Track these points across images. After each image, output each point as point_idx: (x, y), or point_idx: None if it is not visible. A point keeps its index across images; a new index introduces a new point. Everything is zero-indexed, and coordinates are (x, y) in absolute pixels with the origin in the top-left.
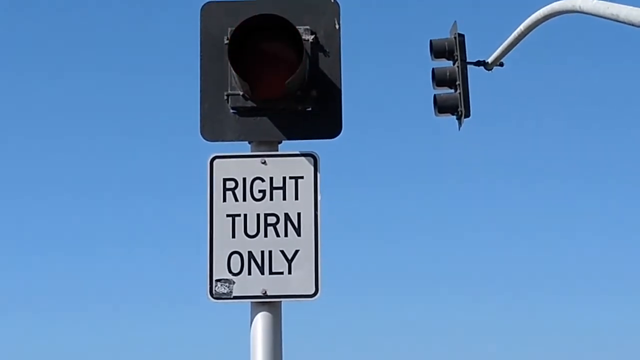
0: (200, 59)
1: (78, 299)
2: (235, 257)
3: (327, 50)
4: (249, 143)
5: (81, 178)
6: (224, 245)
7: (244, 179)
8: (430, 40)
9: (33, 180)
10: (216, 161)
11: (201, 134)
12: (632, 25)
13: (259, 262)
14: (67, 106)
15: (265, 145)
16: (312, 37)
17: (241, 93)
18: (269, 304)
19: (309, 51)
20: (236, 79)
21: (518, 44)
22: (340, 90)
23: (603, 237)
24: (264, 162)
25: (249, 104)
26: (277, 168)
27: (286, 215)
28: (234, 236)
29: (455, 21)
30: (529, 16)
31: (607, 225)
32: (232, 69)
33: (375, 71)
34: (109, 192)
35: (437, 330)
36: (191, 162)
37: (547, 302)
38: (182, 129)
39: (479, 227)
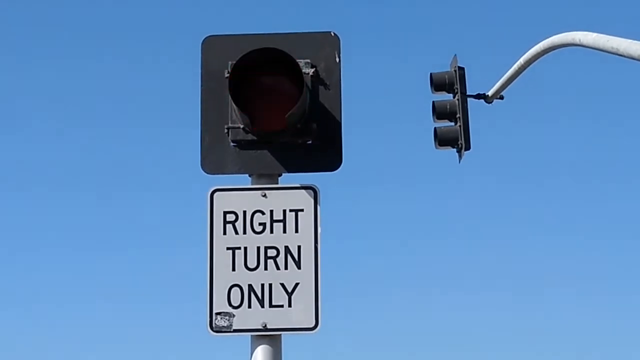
0: (201, 93)
1: (79, 304)
2: (236, 290)
3: (328, 84)
4: (249, 176)
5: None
6: (224, 278)
7: (244, 212)
8: (431, 74)
9: (32, 179)
10: (216, 194)
11: (202, 167)
12: (632, 58)
13: (259, 295)
14: (71, 124)
15: (266, 178)
16: (313, 70)
17: (242, 126)
18: (269, 337)
19: (309, 84)
20: (237, 112)
21: (518, 77)
22: (340, 123)
23: (601, 240)
24: (264, 195)
25: (250, 137)
26: (277, 201)
27: (286, 248)
28: (234, 269)
29: (455, 54)
30: (529, 49)
31: (603, 230)
32: (232, 102)
33: (376, 104)
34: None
35: (439, 337)
36: (191, 196)
37: (549, 303)
38: (183, 162)
39: (480, 232)
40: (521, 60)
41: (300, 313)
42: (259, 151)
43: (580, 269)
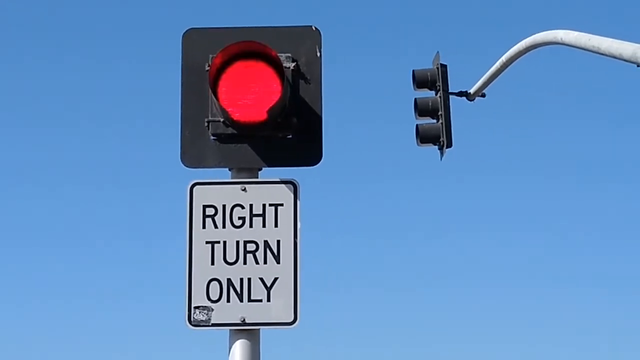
0: (181, 86)
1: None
2: (214, 284)
3: (308, 78)
4: (229, 170)
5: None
6: (202, 272)
7: (224, 206)
8: (413, 71)
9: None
10: (196, 188)
11: (181, 160)
12: (613, 57)
13: (238, 289)
14: (48, 123)
15: (246, 172)
16: (294, 64)
17: (222, 120)
18: (247, 331)
19: (290, 78)
20: (217, 105)
21: (500, 75)
22: (321, 118)
23: (598, 239)
24: (244, 189)
25: (230, 130)
26: (257, 195)
27: (266, 242)
28: (213, 263)
29: (437, 52)
30: (511, 48)
31: (601, 229)
32: (212, 95)
33: (357, 100)
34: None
35: (427, 335)
36: (171, 189)
37: (543, 301)
38: (163, 155)
39: (470, 229)
40: (503, 58)
41: (279, 308)
42: (239, 145)
43: (579, 269)
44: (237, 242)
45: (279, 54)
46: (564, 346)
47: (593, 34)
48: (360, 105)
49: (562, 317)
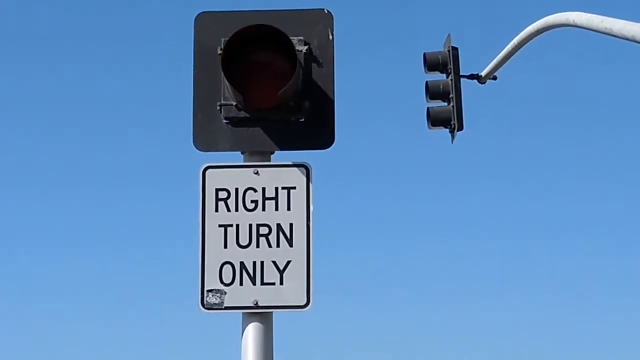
0: (194, 69)
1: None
2: (227, 267)
3: (321, 61)
4: (242, 153)
5: (78, 182)
6: (215, 255)
7: (237, 189)
8: (424, 53)
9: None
10: (209, 171)
11: (194, 144)
12: (625, 39)
13: (251, 272)
14: (63, 107)
15: (258, 156)
16: (306, 47)
17: (234, 103)
18: (260, 314)
19: (302, 62)
20: (229, 89)
21: (511, 58)
22: (333, 101)
23: (600, 242)
24: (257, 173)
25: (242, 114)
26: (269, 178)
27: (278, 225)
28: (225, 246)
29: (449, 34)
30: (523, 30)
31: (603, 231)
32: (225, 79)
33: (369, 83)
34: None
35: (433, 335)
36: (184, 172)
37: (551, 306)
38: (175, 138)
39: (478, 231)
40: (515, 41)
41: (291, 291)
42: (251, 128)
43: (579, 271)
44: (250, 226)
45: (291, 37)
46: (565, 349)
47: (605, 15)
48: (371, 88)
49: (565, 321)
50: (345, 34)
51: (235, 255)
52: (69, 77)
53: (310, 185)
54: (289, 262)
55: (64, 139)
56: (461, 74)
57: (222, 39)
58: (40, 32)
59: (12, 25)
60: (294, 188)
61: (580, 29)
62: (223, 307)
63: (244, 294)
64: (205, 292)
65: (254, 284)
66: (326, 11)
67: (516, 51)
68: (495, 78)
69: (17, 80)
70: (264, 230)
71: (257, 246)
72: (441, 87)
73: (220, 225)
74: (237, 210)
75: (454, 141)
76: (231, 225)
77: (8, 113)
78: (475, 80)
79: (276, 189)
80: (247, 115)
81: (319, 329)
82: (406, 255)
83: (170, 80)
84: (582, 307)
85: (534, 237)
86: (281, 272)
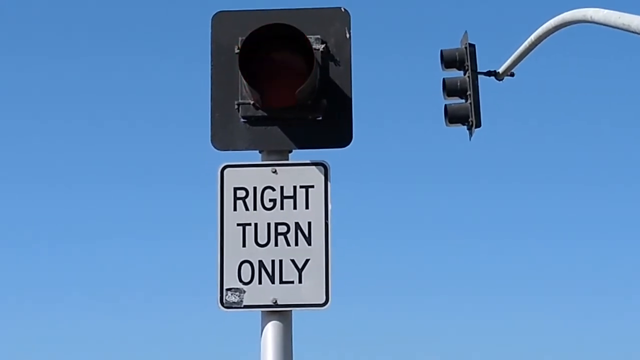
0: (211, 68)
1: (82, 298)
2: (246, 266)
3: (338, 60)
4: (260, 152)
5: (90, 178)
6: (234, 254)
7: (255, 188)
8: (441, 51)
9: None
10: (227, 170)
11: (212, 143)
12: None
13: (270, 271)
14: (82, 106)
15: (276, 155)
16: (323, 46)
17: (252, 102)
18: (279, 313)
19: (319, 60)
20: (247, 88)
21: (529, 54)
22: (350, 99)
23: (605, 241)
24: (275, 171)
25: (260, 113)
26: (287, 177)
27: (297, 224)
28: (244, 245)
29: (466, 31)
30: (540, 26)
31: (608, 229)
32: (242, 78)
33: (386, 81)
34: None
35: (448, 335)
36: (202, 171)
37: (560, 306)
38: (193, 137)
39: (487, 231)
40: (532, 37)
41: (310, 289)
42: (269, 127)
43: (581, 271)
44: (268, 224)
45: (308, 36)
46: (566, 349)
47: (623, 11)
48: (389, 86)
49: (567, 323)
50: (362, 32)
51: (254, 254)
52: (88, 76)
53: (329, 183)
54: (307, 260)
55: (83, 139)
56: (478, 70)
57: (240, 38)
58: (58, 33)
59: (31, 24)
60: (312, 186)
61: (598, 25)
62: (242, 306)
63: (263, 292)
64: (224, 290)
65: (273, 282)
66: (343, 9)
67: (534, 48)
68: (512, 75)
69: (31, 80)
70: (282, 228)
71: (276, 245)
72: (458, 84)
73: (238, 224)
74: (255, 209)
75: (472, 138)
76: (250, 224)
77: (49, 107)
78: (493, 77)
79: (294, 187)
80: (265, 114)
81: (338, 328)
82: (422, 255)
83: (188, 80)
84: (582, 307)
85: (563, 237)
86: (300, 270)
